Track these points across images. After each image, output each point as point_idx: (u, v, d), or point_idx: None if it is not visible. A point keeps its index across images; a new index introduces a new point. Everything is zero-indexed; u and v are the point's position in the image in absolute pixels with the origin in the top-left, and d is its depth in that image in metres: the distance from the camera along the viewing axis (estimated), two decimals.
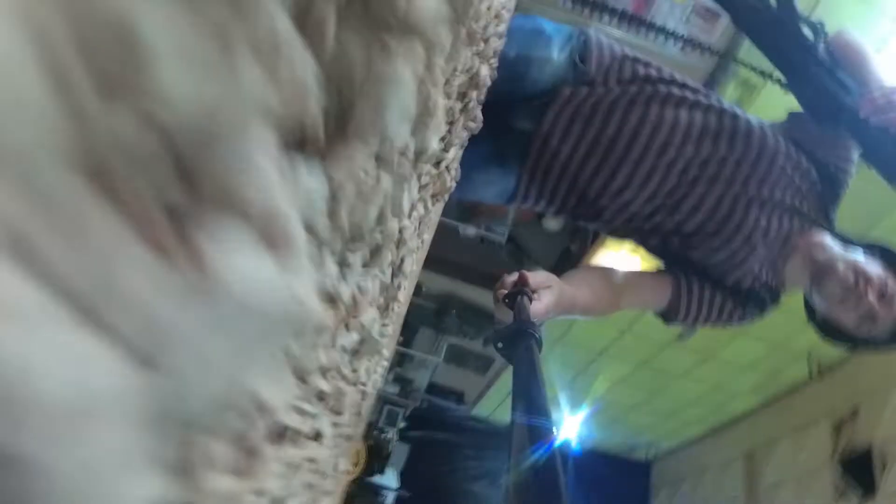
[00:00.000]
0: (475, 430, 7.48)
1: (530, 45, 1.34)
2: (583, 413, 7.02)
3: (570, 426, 7.37)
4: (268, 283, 0.16)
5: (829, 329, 1.43)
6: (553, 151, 1.37)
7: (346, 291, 0.27)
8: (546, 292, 1.20)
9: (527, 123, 1.38)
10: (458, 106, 0.50)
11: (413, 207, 0.47)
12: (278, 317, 0.16)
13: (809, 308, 1.47)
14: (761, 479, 5.49)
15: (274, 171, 0.17)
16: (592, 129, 1.35)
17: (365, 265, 0.34)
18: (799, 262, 1.41)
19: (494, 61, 0.71)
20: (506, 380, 6.60)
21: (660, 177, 1.35)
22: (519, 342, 0.78)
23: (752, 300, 1.45)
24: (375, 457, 4.74)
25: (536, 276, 1.21)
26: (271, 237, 0.16)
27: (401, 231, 0.42)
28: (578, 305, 1.34)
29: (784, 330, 4.28)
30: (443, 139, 0.50)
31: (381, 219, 0.32)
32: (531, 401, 0.52)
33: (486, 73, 0.55)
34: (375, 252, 0.35)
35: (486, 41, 0.50)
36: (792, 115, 1.47)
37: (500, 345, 0.84)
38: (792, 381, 5.27)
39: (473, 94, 0.55)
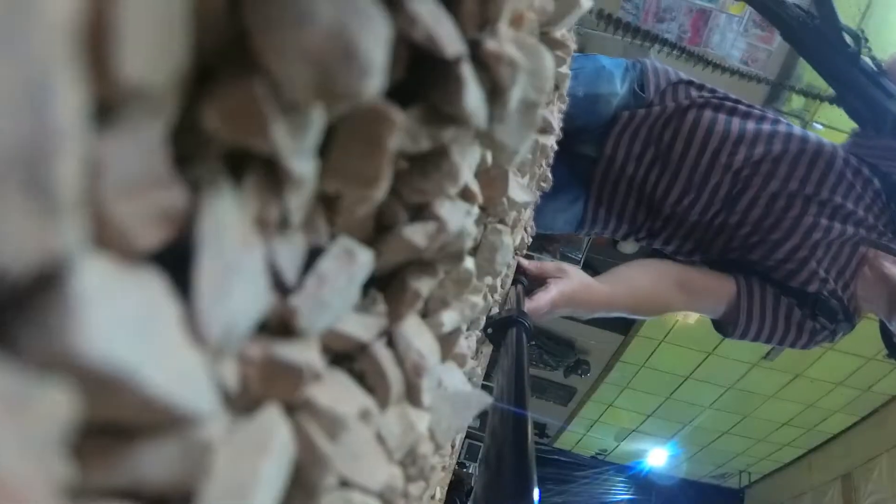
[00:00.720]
0: (558, 462, 7.37)
1: (596, 83, 1.40)
2: (672, 441, 6.85)
3: (660, 455, 7.19)
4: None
5: None
6: (618, 170, 1.41)
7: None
8: (556, 282, 1.16)
9: (589, 149, 1.43)
10: (533, 176, 0.57)
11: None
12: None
13: (888, 337, 1.38)
14: (861, 500, 5.24)
15: None
16: (652, 141, 1.38)
17: (468, 328, 0.41)
18: (872, 280, 1.34)
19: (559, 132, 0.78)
20: (589, 410, 6.51)
21: (718, 177, 1.35)
22: (507, 330, 0.78)
23: (821, 309, 1.35)
24: (456, 491, 4.70)
25: (543, 265, 1.18)
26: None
27: (493, 290, 0.49)
28: (615, 304, 1.29)
29: (874, 341, 4.10)
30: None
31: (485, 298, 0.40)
32: (508, 386, 0.55)
33: (552, 143, 0.62)
34: (477, 320, 0.43)
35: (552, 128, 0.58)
36: (854, 133, 1.46)
37: (489, 331, 0.85)
38: (887, 395, 5.06)
39: (543, 161, 0.63)
